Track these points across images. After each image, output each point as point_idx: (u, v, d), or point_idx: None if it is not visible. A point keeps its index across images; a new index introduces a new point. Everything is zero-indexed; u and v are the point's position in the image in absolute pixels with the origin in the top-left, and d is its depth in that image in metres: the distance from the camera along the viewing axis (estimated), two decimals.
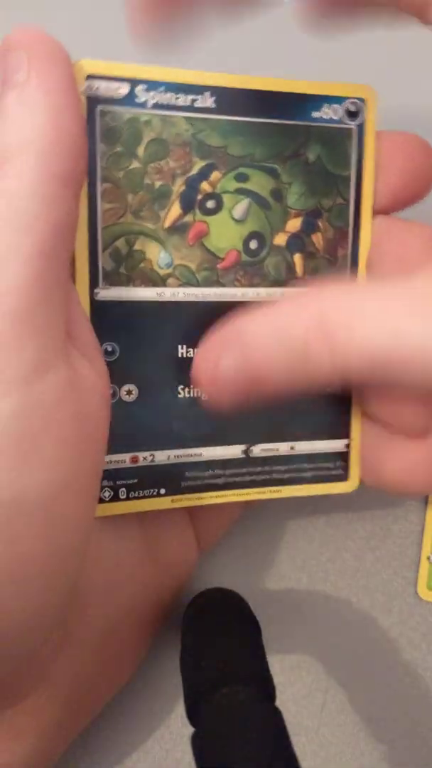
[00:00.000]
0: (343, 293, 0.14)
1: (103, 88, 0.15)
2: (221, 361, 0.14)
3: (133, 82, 0.15)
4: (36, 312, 0.12)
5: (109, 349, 0.16)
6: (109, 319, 0.16)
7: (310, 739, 0.20)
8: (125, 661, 0.18)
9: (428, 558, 0.22)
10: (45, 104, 0.12)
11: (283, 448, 0.18)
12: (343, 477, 0.18)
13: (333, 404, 0.18)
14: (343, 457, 0.18)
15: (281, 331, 0.14)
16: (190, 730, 0.15)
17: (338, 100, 0.16)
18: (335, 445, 0.18)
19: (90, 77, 0.14)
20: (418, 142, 0.17)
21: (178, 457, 0.17)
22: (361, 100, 0.17)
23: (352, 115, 0.17)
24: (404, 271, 0.16)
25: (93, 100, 0.15)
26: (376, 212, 0.17)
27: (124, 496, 0.16)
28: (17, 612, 0.12)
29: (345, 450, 0.18)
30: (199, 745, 0.14)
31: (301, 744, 0.20)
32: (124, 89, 0.15)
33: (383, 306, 0.13)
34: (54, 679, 0.15)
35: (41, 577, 0.12)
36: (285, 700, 0.20)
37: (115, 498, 0.16)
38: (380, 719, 0.20)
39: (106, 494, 0.16)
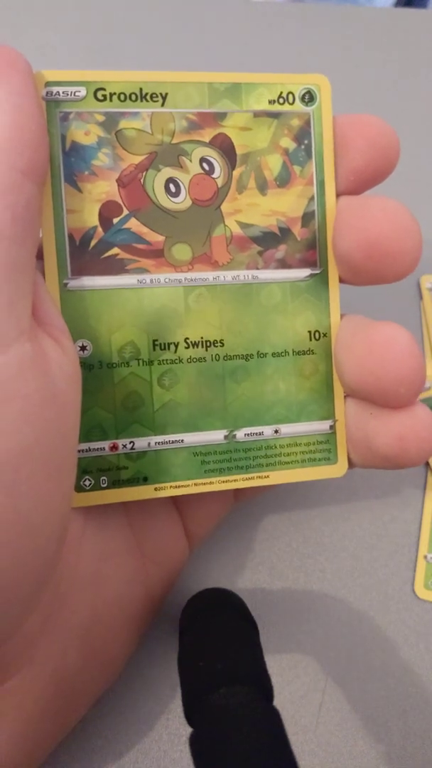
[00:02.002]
0: None
1: (62, 92, 0.16)
2: None
3: (90, 86, 0.16)
4: None
5: (82, 344, 0.16)
6: (81, 309, 0.16)
7: (308, 738, 0.20)
8: (114, 652, 0.18)
9: (425, 557, 0.22)
10: (6, 105, 0.14)
11: (267, 431, 0.18)
12: (331, 459, 0.18)
13: (316, 385, 0.18)
14: (329, 438, 0.18)
15: None
16: (188, 730, 0.15)
17: (293, 89, 0.17)
18: (320, 426, 0.18)
19: (49, 84, 0.16)
20: (377, 122, 0.17)
21: (159, 444, 0.17)
22: (315, 86, 0.17)
23: (307, 101, 0.17)
24: (365, 248, 0.16)
25: (52, 104, 0.16)
26: (341, 193, 0.17)
27: (106, 485, 0.17)
28: None
29: (330, 431, 0.18)
30: (197, 745, 0.14)
31: (299, 743, 0.20)
32: (81, 92, 0.16)
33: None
34: (39, 664, 0.15)
35: (7, 546, 0.13)
36: (283, 700, 0.20)
37: (96, 487, 0.17)
38: (378, 718, 0.20)
39: (87, 483, 0.16)
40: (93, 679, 0.17)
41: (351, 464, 0.18)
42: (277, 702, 0.15)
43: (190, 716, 0.15)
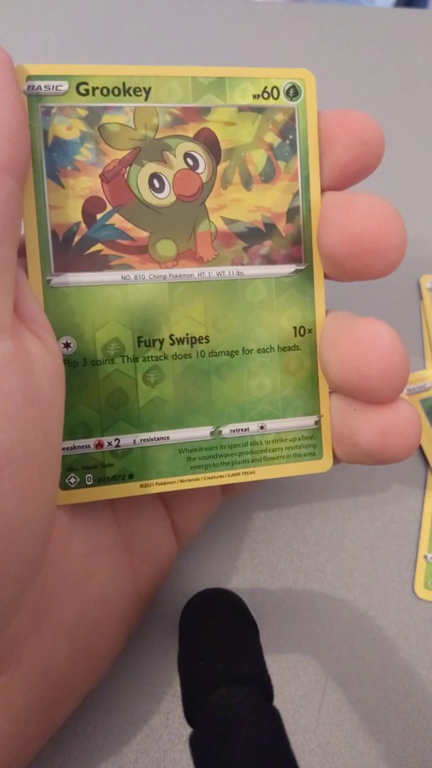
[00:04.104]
0: None
1: (44, 87, 0.16)
2: None
3: (73, 80, 0.16)
4: None
5: (66, 341, 0.16)
6: (64, 306, 0.16)
7: (308, 738, 0.20)
8: (103, 650, 0.18)
9: (425, 557, 0.22)
10: None
11: (252, 427, 0.18)
12: (317, 455, 0.18)
13: (301, 381, 0.18)
14: (314, 434, 0.18)
15: None
16: (188, 730, 0.15)
17: (277, 82, 0.17)
18: (305, 422, 0.18)
19: (31, 78, 0.16)
20: (362, 117, 0.17)
21: (144, 440, 0.17)
22: (299, 81, 0.17)
23: (291, 95, 0.17)
24: (349, 245, 0.16)
25: (34, 98, 0.16)
26: (326, 189, 0.17)
27: (91, 482, 0.17)
28: None
29: (315, 426, 0.18)
30: (197, 745, 0.14)
31: (299, 743, 0.20)
32: (63, 87, 0.16)
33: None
34: (26, 662, 0.15)
35: None
36: (283, 700, 0.20)
37: (81, 485, 0.16)
38: (378, 718, 0.20)
39: (72, 481, 0.16)
40: (81, 677, 0.17)
41: (336, 459, 0.18)
42: (277, 702, 0.15)
43: (190, 716, 0.15)
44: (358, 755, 0.20)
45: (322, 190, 0.17)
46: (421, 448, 0.24)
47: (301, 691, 0.21)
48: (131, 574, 0.18)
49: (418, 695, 0.21)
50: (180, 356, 0.17)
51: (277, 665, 0.21)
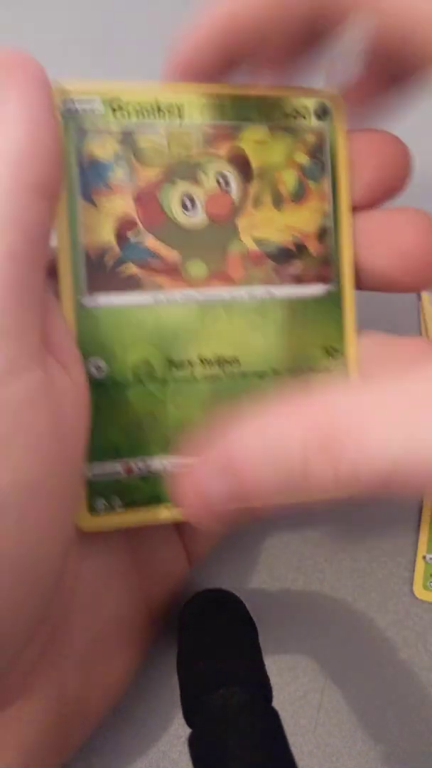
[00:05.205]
0: (341, 402, 0.12)
1: (80, 105, 0.16)
2: (211, 488, 0.13)
3: (109, 99, 0.16)
4: (7, 314, 0.12)
5: (97, 364, 0.16)
6: (95, 327, 0.16)
7: (307, 739, 0.20)
8: (115, 674, 0.17)
9: (424, 557, 0.22)
10: (22, 118, 0.13)
11: None
12: None
13: None
14: None
15: (275, 449, 0.13)
16: (187, 730, 0.15)
17: (308, 103, 0.17)
18: None
19: (67, 95, 0.15)
20: (391, 138, 0.17)
21: (173, 465, 0.17)
22: (329, 102, 0.17)
23: (321, 116, 0.17)
24: (400, 262, 0.16)
25: (70, 117, 0.15)
26: (355, 207, 0.17)
27: (119, 508, 0.16)
28: None
29: None
30: (195, 746, 0.14)
31: (298, 744, 0.20)
32: (98, 105, 0.16)
33: (393, 415, 0.12)
34: (38, 689, 0.15)
35: (14, 579, 0.12)
36: (282, 701, 0.20)
37: (109, 509, 0.16)
38: (377, 719, 0.20)
39: (101, 506, 0.16)
40: (93, 704, 0.17)
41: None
42: (276, 702, 0.15)
43: (189, 717, 0.15)
44: (357, 756, 0.20)
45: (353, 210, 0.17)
46: None
47: (300, 692, 0.21)
48: (143, 597, 0.18)
49: (417, 696, 0.21)
50: (209, 378, 0.17)
51: (276, 666, 0.21)
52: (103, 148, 0.16)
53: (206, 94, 0.16)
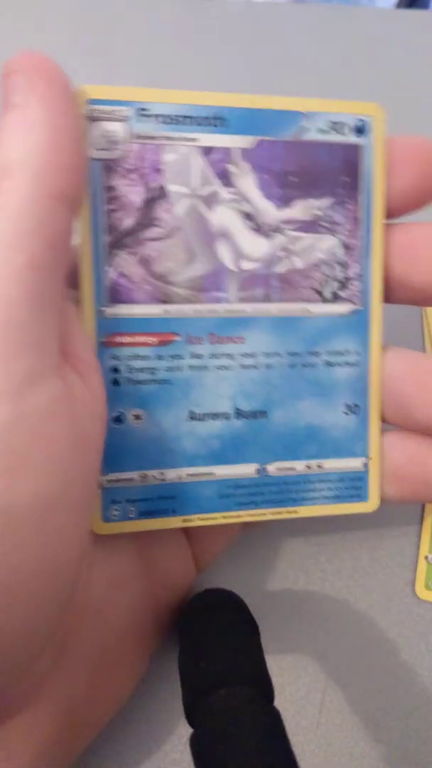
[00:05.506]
0: None
1: (105, 111, 0.15)
2: None
3: (135, 105, 0.15)
4: (27, 325, 0.12)
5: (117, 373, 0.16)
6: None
7: (309, 739, 0.20)
8: (122, 679, 0.17)
9: (426, 558, 0.22)
10: (43, 124, 0.13)
11: (299, 466, 0.17)
12: (362, 496, 0.18)
13: (352, 422, 0.18)
14: (362, 476, 0.18)
15: None
16: (188, 730, 0.15)
17: (346, 117, 0.17)
18: (353, 463, 0.18)
19: (91, 101, 0.15)
20: (429, 145, 0.17)
21: (189, 475, 0.17)
22: (369, 117, 0.17)
23: (360, 131, 0.17)
24: None
25: (94, 123, 0.15)
26: (390, 216, 0.17)
27: (134, 516, 0.16)
28: (5, 626, 0.12)
29: (364, 469, 0.18)
30: (197, 745, 0.14)
31: (299, 744, 0.20)
32: (125, 112, 0.15)
33: None
34: (48, 697, 0.15)
35: (31, 591, 0.12)
36: (283, 701, 0.20)
37: (124, 517, 0.16)
38: (378, 719, 0.20)
39: (116, 513, 0.16)
40: (101, 707, 0.17)
41: (386, 499, 0.18)
42: (278, 702, 0.15)
43: (190, 716, 0.15)
44: (359, 756, 0.20)
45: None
46: None
47: (301, 692, 0.21)
48: (152, 602, 0.18)
49: (418, 696, 0.21)
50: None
51: (278, 666, 0.21)
52: (128, 158, 0.15)
53: (236, 103, 0.16)
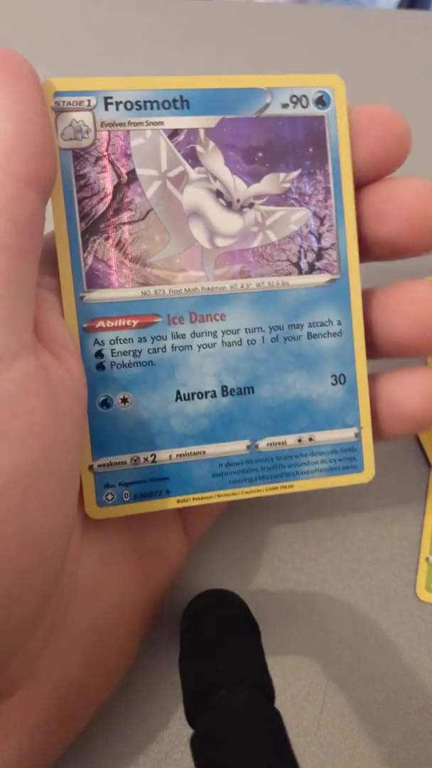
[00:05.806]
0: None
1: (71, 102, 0.15)
2: None
3: (100, 94, 0.16)
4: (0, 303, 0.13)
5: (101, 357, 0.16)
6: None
7: (310, 740, 0.20)
8: (116, 659, 0.18)
9: (427, 559, 0.22)
10: (9, 112, 0.13)
11: (290, 440, 0.17)
12: (357, 467, 0.18)
13: (340, 393, 0.18)
14: (355, 446, 0.18)
15: None
16: (189, 731, 0.15)
17: (307, 90, 0.17)
18: (345, 434, 0.18)
19: (57, 93, 0.15)
20: (390, 112, 0.17)
21: (180, 456, 0.17)
22: (330, 89, 0.17)
23: (322, 103, 0.17)
24: (411, 225, 0.17)
25: (61, 114, 0.15)
26: (357, 184, 0.18)
27: (128, 499, 0.16)
28: None
29: (356, 439, 0.18)
30: (198, 746, 0.14)
31: (300, 745, 0.20)
32: (91, 101, 0.16)
33: None
34: (43, 676, 0.15)
35: (16, 562, 0.12)
36: (284, 702, 0.20)
37: (118, 501, 0.16)
38: (379, 720, 0.20)
39: (110, 497, 0.16)
40: (95, 687, 0.17)
41: (383, 437, 0.18)
42: (279, 703, 0.15)
43: (191, 717, 0.15)
44: (360, 757, 0.20)
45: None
46: (422, 450, 0.24)
47: (302, 693, 0.21)
48: (144, 579, 0.18)
49: (419, 697, 0.21)
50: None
51: (279, 667, 0.21)
52: (98, 144, 0.16)
53: (199, 84, 0.16)
